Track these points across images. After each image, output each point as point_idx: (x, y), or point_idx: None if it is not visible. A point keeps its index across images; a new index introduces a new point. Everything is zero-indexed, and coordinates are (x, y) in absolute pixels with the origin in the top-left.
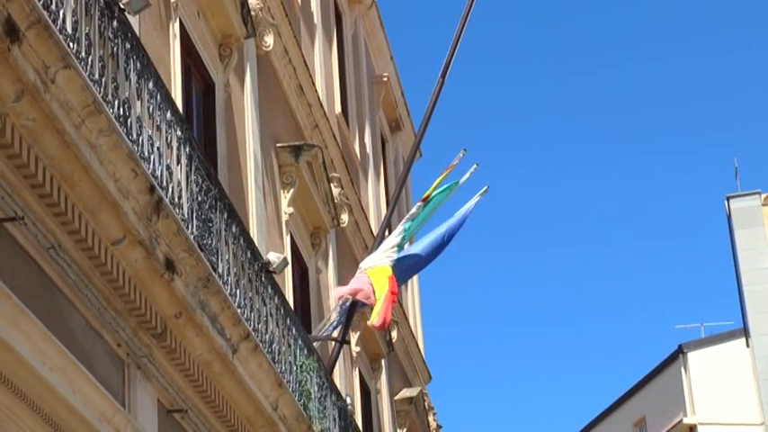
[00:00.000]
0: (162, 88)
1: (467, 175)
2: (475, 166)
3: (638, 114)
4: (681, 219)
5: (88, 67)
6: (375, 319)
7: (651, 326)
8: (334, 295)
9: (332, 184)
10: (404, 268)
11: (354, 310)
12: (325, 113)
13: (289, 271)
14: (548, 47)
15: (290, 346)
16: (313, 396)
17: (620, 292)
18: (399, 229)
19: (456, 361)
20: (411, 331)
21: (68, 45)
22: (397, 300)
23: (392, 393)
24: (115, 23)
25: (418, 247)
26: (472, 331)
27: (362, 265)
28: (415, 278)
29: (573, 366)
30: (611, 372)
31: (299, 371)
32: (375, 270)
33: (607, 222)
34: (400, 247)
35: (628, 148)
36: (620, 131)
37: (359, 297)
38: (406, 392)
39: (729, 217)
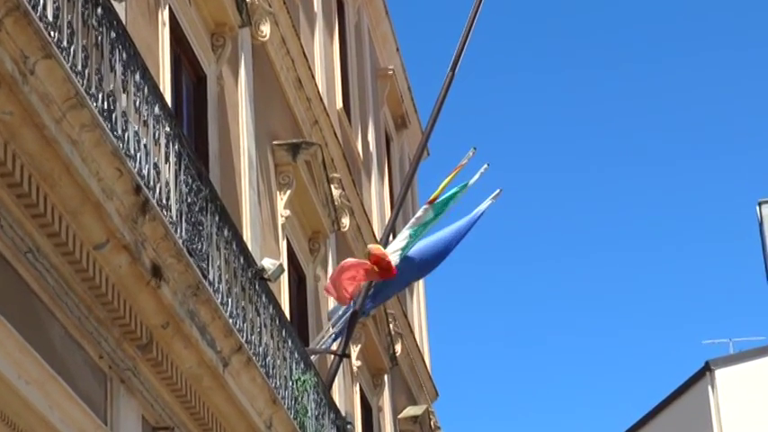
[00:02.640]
0: (149, 80)
1: (476, 176)
2: (485, 166)
3: (665, 115)
4: (709, 225)
5: (70, 58)
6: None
7: (676, 341)
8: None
9: (332, 185)
10: (403, 274)
11: (355, 321)
12: (325, 109)
13: (285, 278)
14: (566, 40)
15: (285, 359)
16: (310, 414)
17: (643, 305)
18: (404, 234)
19: (465, 377)
20: (416, 345)
21: (49, 33)
22: (370, 276)
23: (395, 411)
24: (99, 11)
25: (419, 251)
26: (482, 345)
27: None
28: (421, 288)
29: (592, 385)
30: (633, 390)
31: (295, 386)
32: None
33: (629, 230)
34: (403, 251)
35: (653, 150)
36: (644, 132)
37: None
38: (410, 410)
39: (761, 223)
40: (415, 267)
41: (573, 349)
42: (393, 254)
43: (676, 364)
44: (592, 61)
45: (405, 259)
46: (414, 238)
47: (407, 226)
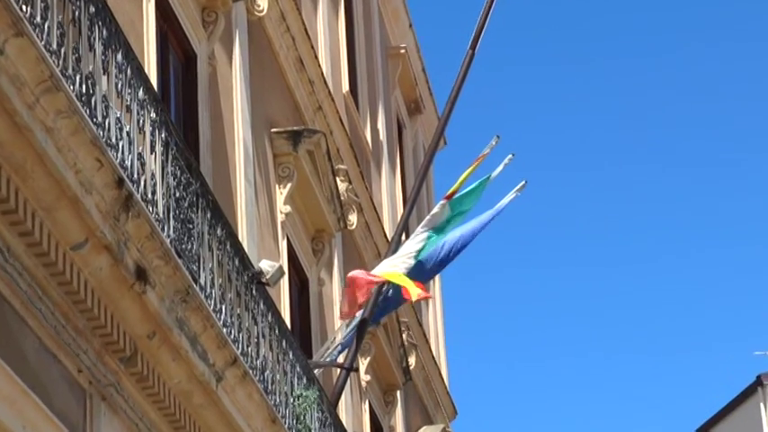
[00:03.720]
0: (133, 61)
1: (500, 167)
2: (510, 156)
3: (709, 105)
4: (757, 224)
5: (44, 36)
6: (414, 294)
7: (725, 353)
8: (341, 312)
9: (338, 178)
10: (419, 274)
11: (364, 330)
12: (329, 93)
13: (285, 282)
14: (597, 26)
15: (286, 373)
16: None
17: (688, 315)
18: (422, 236)
19: (486, 394)
20: (433, 357)
21: (21, 8)
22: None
23: (409, 431)
24: None
25: (436, 251)
26: (506, 358)
27: (373, 272)
28: (437, 294)
29: (633, 402)
30: (680, 407)
31: (296, 403)
32: (386, 275)
33: (675, 233)
34: (419, 253)
35: (698, 144)
36: (686, 127)
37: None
38: (426, 430)
39: None
40: (431, 270)
41: (610, 363)
42: (407, 256)
43: (726, 376)
44: (625, 49)
45: (420, 263)
46: (430, 241)
47: (422, 224)
